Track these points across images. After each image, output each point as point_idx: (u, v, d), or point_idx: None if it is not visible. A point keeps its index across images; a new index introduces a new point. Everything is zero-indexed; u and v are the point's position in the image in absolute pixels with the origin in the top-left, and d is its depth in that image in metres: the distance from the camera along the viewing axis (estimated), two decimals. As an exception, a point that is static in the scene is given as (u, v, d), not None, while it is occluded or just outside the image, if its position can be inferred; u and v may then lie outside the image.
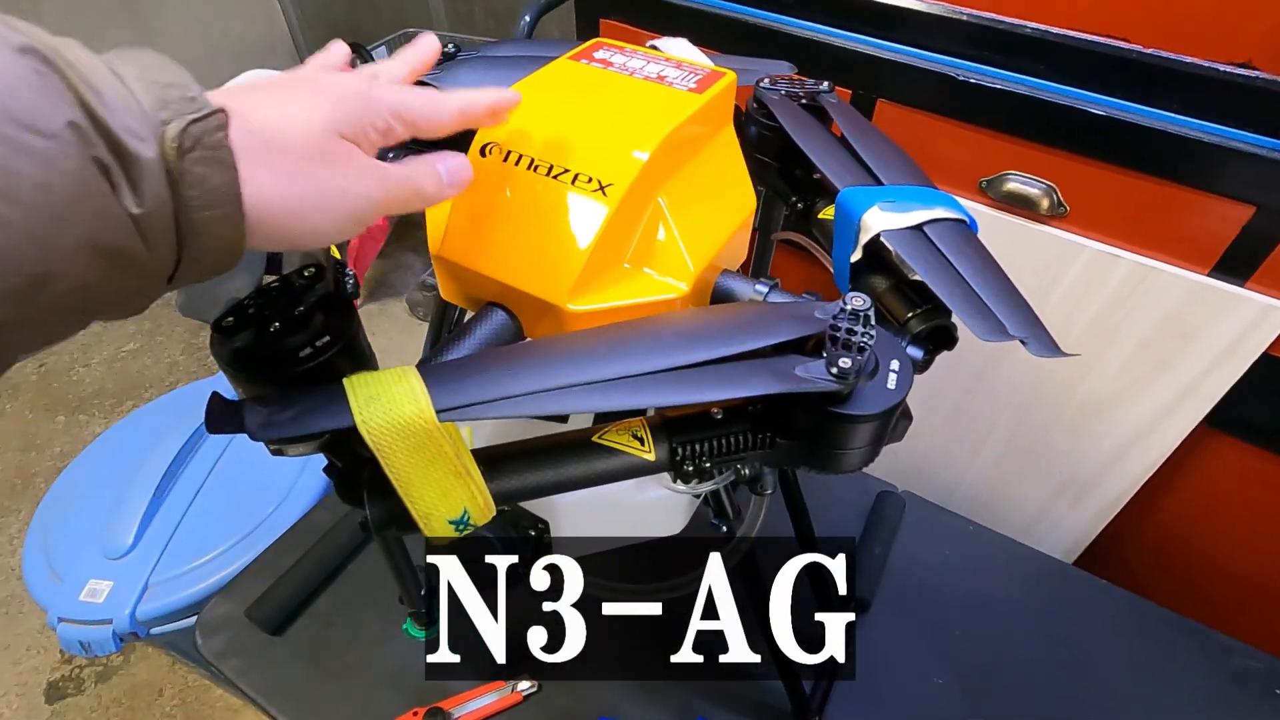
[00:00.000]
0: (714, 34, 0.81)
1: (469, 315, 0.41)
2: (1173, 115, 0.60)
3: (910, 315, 0.36)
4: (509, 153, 0.35)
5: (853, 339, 0.29)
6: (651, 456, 0.30)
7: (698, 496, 0.46)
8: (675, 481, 0.32)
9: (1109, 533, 0.84)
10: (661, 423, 0.31)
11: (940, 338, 0.36)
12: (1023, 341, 0.32)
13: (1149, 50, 0.60)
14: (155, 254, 0.21)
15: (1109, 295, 0.69)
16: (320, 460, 0.31)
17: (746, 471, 0.44)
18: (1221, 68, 0.58)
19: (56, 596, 0.79)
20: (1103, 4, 0.60)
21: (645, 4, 0.84)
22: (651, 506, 0.45)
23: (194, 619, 0.67)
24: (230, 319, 0.29)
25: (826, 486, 0.78)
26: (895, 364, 0.30)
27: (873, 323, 0.30)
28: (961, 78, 0.67)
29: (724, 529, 0.47)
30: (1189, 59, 0.59)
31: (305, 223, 0.25)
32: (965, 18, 0.66)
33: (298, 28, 2.25)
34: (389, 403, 0.26)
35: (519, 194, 0.35)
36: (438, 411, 0.26)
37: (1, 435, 1.64)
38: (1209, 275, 0.64)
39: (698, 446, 0.30)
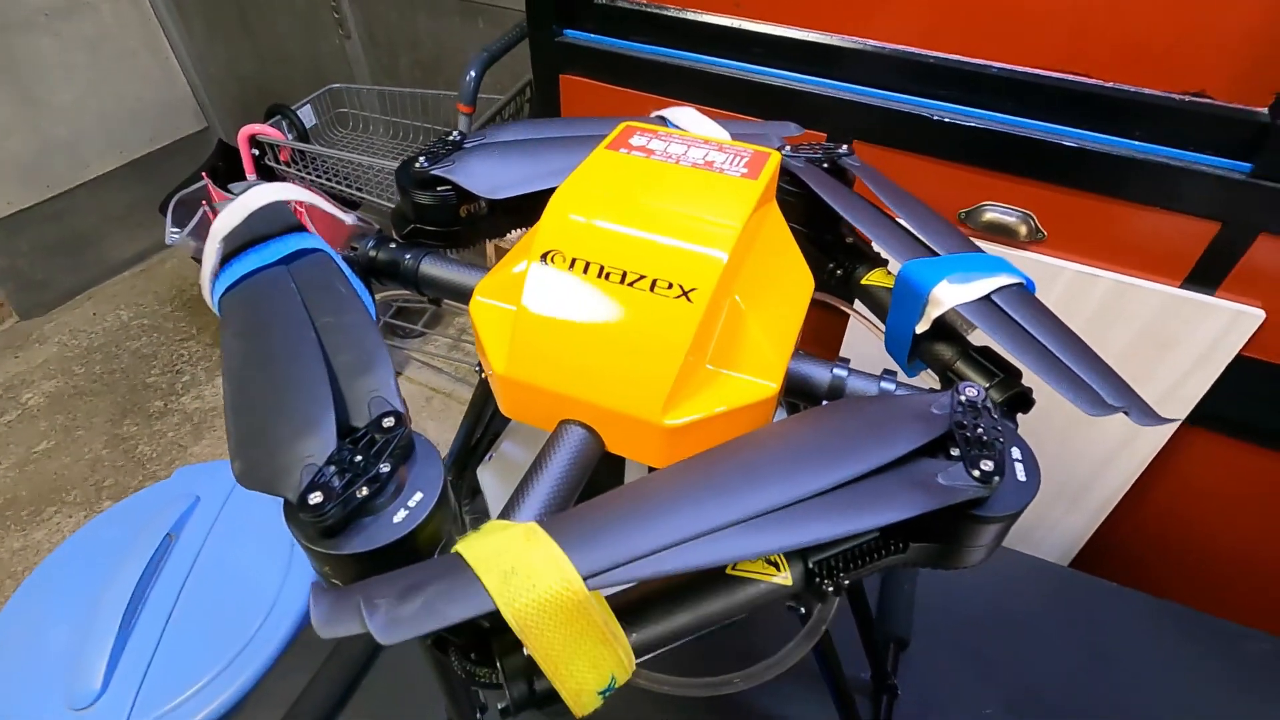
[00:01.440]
0: (676, 84, 0.81)
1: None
2: (1138, 143, 0.64)
3: (989, 385, 0.36)
4: (574, 260, 0.33)
5: (984, 435, 0.28)
6: (788, 581, 0.29)
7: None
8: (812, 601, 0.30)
9: (1101, 532, 0.88)
10: (792, 541, 0.29)
11: (1019, 404, 0.36)
12: (1125, 412, 0.32)
13: (1110, 84, 0.63)
14: None
15: (1091, 312, 0.72)
16: (302, 561, 0.28)
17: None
18: (1178, 96, 0.61)
19: (15, 762, 0.70)
20: (1065, 43, 0.63)
21: (604, 58, 0.83)
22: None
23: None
24: (320, 495, 0.25)
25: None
26: (1016, 452, 0.30)
27: (995, 414, 0.30)
28: (936, 117, 0.69)
29: (802, 611, 0.45)
30: (1149, 90, 0.62)
31: None
32: (933, 60, 0.68)
33: (201, 87, 2.13)
34: (530, 576, 0.23)
35: (593, 305, 0.32)
36: (584, 577, 0.24)
37: (-101, 564, 1.45)
38: (1181, 287, 0.68)
39: (833, 563, 0.29)
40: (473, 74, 1.06)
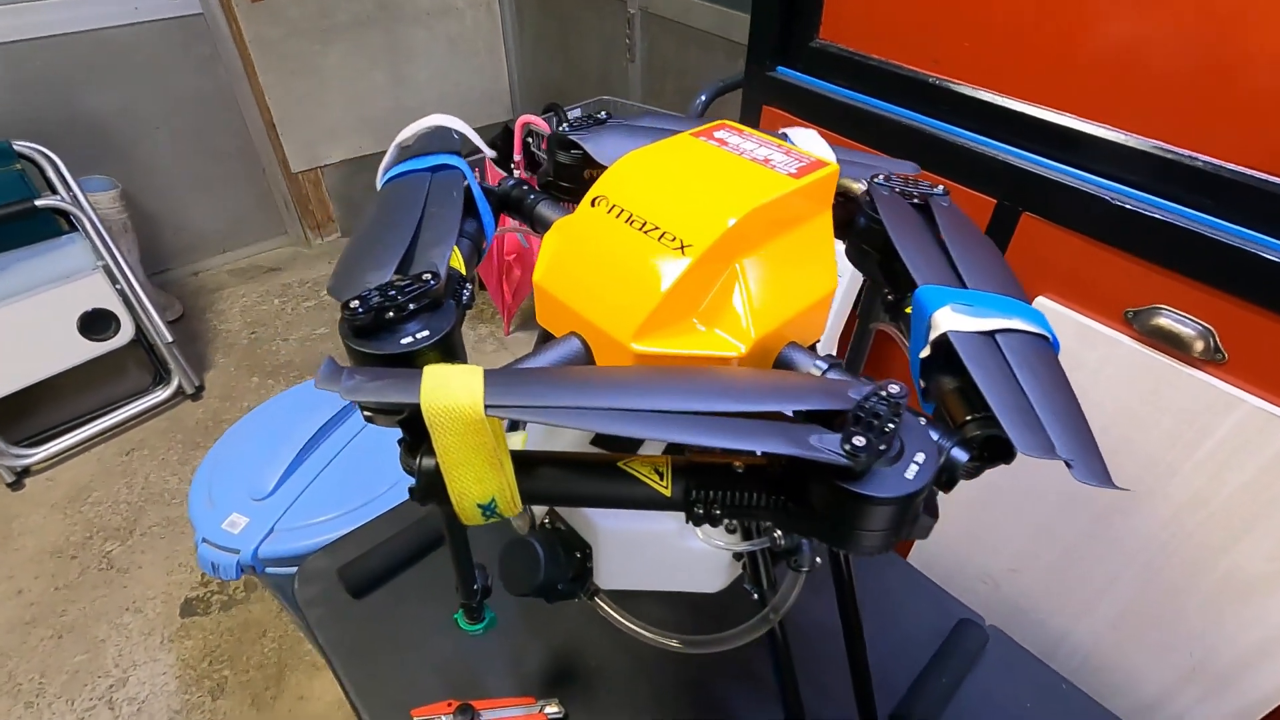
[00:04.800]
0: (865, 131, 0.84)
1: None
2: (1366, 273, 0.53)
3: (968, 419, 0.36)
4: (613, 206, 0.40)
5: (874, 421, 0.30)
6: (667, 493, 0.33)
7: (738, 558, 0.47)
8: (692, 524, 0.33)
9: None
10: (686, 464, 0.33)
11: (997, 448, 0.35)
12: (1068, 464, 0.31)
13: (1343, 200, 0.54)
14: None
15: (1268, 460, 0.60)
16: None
17: (783, 542, 0.45)
18: None
19: (206, 520, 0.94)
20: (1291, 145, 0.55)
21: (802, 96, 0.89)
22: (689, 557, 0.46)
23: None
24: (358, 302, 0.36)
25: (902, 601, 0.73)
26: (920, 456, 0.30)
27: (902, 411, 0.31)
28: (1117, 202, 0.64)
29: (755, 595, 0.47)
30: (1394, 215, 0.52)
31: None
32: (1132, 143, 0.63)
33: (517, 85, 2.56)
34: (450, 391, 0.31)
35: (611, 241, 0.39)
36: (486, 406, 0.30)
37: (210, 383, 1.96)
38: (1400, 461, 0.55)
39: (711, 494, 0.32)
40: (703, 98, 1.17)
